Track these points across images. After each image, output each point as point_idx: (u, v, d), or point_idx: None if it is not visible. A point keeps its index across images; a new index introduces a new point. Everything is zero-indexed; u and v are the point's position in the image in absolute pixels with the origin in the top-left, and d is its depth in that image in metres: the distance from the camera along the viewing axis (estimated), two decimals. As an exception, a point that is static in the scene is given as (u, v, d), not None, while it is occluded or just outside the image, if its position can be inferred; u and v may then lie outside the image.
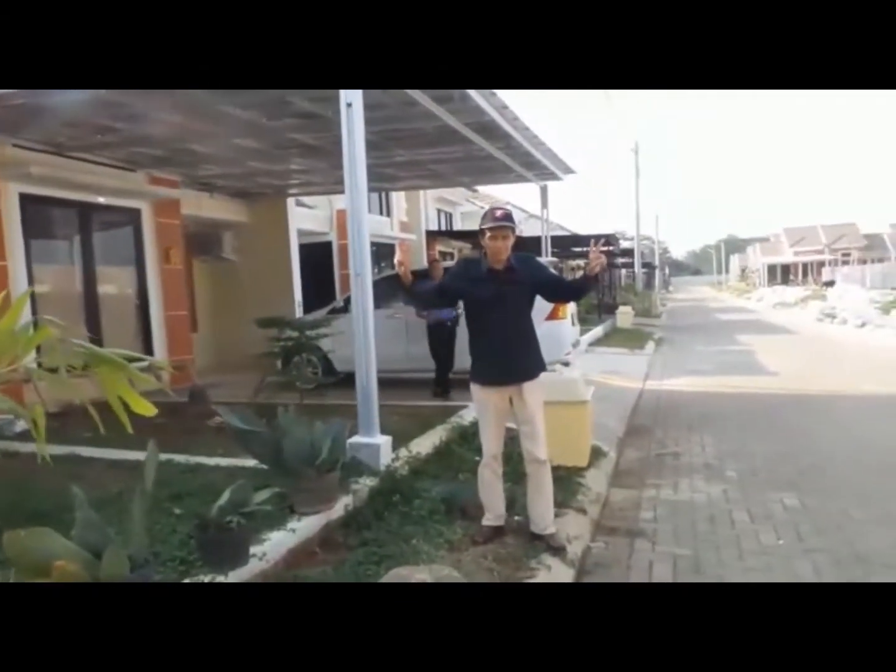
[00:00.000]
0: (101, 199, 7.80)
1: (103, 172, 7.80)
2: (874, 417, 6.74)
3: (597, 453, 5.24)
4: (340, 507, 3.64)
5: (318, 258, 13.50)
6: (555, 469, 4.62)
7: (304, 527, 3.30)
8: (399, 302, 7.87)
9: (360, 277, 4.11)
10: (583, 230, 24.02)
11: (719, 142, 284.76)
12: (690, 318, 25.35)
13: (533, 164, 8.20)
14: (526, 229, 26.51)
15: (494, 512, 3.56)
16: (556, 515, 3.88)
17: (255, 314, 6.82)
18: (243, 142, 7.01)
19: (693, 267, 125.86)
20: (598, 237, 14.44)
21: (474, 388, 3.51)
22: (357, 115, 4.07)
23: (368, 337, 4.20)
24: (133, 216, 8.43)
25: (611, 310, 19.86)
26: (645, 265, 44.60)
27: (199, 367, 10.12)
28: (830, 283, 34.04)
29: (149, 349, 8.72)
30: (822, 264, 49.95)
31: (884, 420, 6.59)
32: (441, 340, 7.36)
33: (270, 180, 9.80)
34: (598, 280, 3.39)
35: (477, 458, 4.06)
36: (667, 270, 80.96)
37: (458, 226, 20.12)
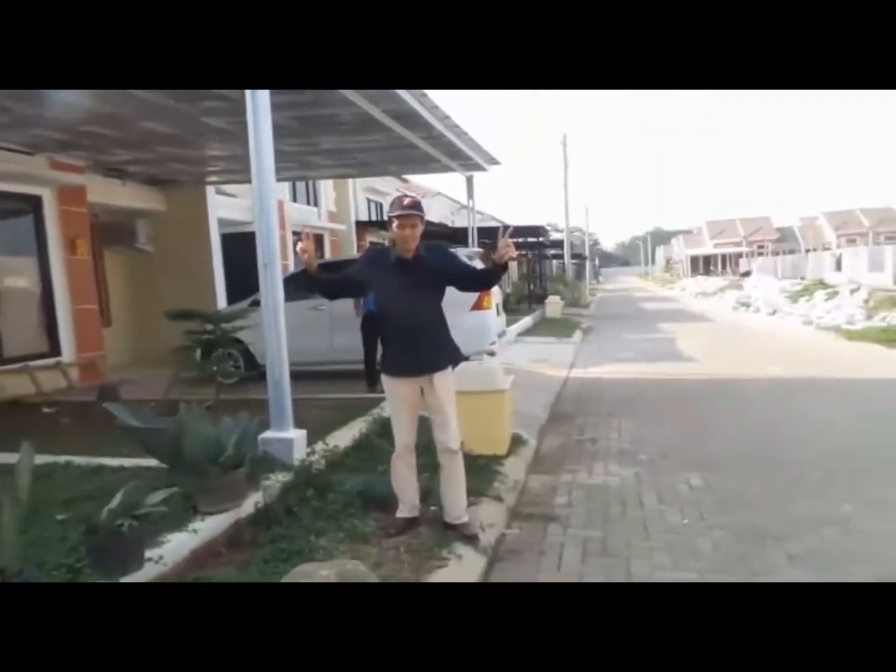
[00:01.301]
0: (-5, 185, 7.26)
1: (-3, 155, 7.25)
2: (777, 399, 7.14)
3: (517, 441, 5.30)
4: (250, 504, 3.51)
5: (243, 248, 12.94)
6: (474, 458, 4.68)
7: (209, 527, 3.17)
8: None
9: (269, 268, 3.97)
10: (518, 222, 24.28)
11: (647, 136, 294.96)
12: (617, 307, 26.16)
13: (457, 154, 8.19)
14: (458, 220, 26.58)
15: (408, 503, 3.54)
16: (472, 504, 3.91)
17: (175, 307, 6.52)
18: (153, 125, 6.66)
19: (622, 258, 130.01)
20: (525, 228, 14.61)
21: (385, 380, 3.46)
22: (262, 98, 3.93)
23: (279, 329, 4.08)
24: (33, 203, 7.89)
25: (541, 300, 20.22)
26: (576, 256, 45.68)
27: (115, 364, 9.63)
28: (747, 274, 35.85)
29: (55, 345, 8.22)
30: (739, 255, 52.57)
31: (785, 401, 6.99)
32: (374, 332, 7.22)
33: (186, 167, 9.37)
34: (507, 268, 3.38)
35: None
36: (597, 261, 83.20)
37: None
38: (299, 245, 3.15)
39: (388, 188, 19.31)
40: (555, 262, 36.23)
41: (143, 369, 9.06)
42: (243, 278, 12.67)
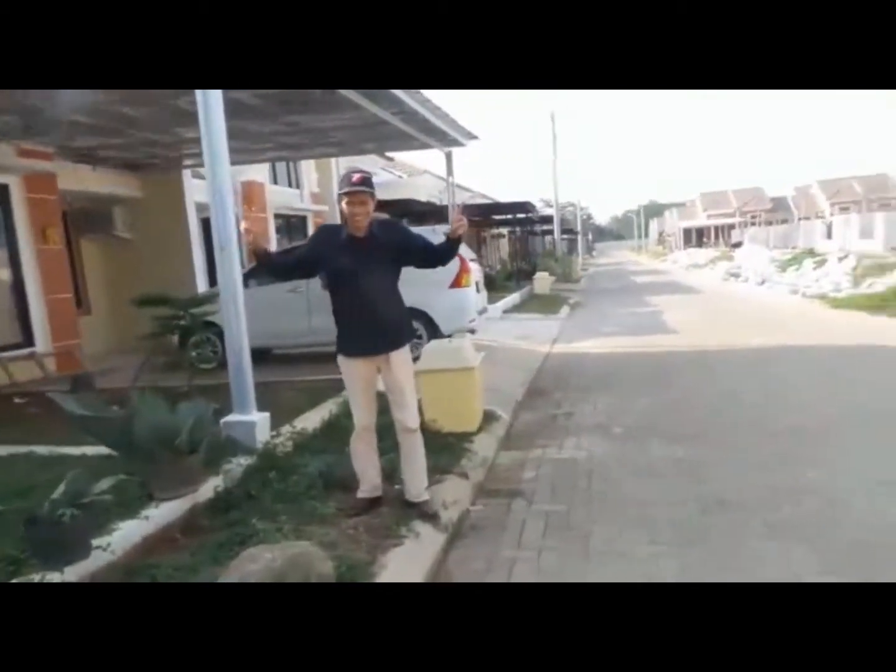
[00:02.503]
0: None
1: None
2: (755, 369, 7.12)
3: (490, 418, 5.27)
4: (209, 489, 3.49)
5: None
6: (443, 435, 4.67)
7: (162, 513, 3.14)
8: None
9: (225, 250, 3.89)
10: (509, 199, 24.05)
11: (641, 108, 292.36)
12: (608, 281, 26.10)
13: (432, 130, 8.03)
14: (445, 198, 26.31)
15: (369, 483, 3.51)
16: (438, 482, 3.89)
17: (156, 293, 6.40)
18: (120, 109, 6.50)
19: (616, 232, 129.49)
20: (512, 204, 14.48)
21: (341, 360, 3.40)
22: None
23: (238, 312, 4.01)
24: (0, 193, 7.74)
25: (529, 276, 20.13)
26: (567, 231, 45.50)
27: (96, 352, 9.55)
28: (739, 245, 35.71)
29: (28, 336, 8.14)
30: (732, 227, 52.34)
31: (762, 371, 6.97)
32: None
33: (160, 151, 9.19)
34: (460, 242, 3.32)
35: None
36: (590, 236, 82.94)
37: (374, 196, 19.74)
38: (243, 225, 3.08)
39: (372, 167, 19.07)
40: (547, 238, 36.03)
41: (124, 357, 8.98)
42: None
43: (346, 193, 3.15)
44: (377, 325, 3.29)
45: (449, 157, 9.50)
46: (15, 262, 7.96)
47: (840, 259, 16.78)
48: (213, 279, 10.87)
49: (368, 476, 3.51)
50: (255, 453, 3.92)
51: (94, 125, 7.09)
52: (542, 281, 18.54)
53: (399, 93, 6.23)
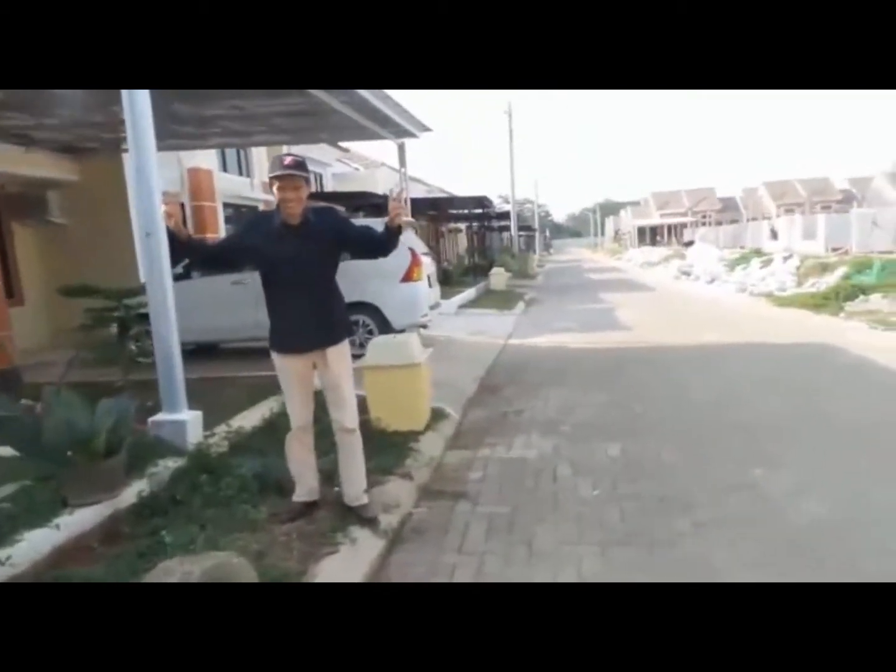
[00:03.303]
0: None
1: None
2: (701, 365, 7.20)
3: (439, 416, 5.15)
4: (132, 494, 3.26)
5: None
6: (389, 434, 4.52)
7: (77, 521, 2.91)
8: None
9: (152, 237, 3.65)
10: (466, 194, 23.92)
11: (599, 107, 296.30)
12: (564, 278, 26.31)
13: (384, 120, 7.85)
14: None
15: (305, 486, 3.34)
16: (380, 483, 3.75)
17: (95, 283, 6.03)
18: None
19: (573, 229, 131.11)
20: (469, 199, 14.32)
21: (274, 357, 3.20)
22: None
23: (167, 304, 3.77)
24: (-83, 172, 7.19)
25: (486, 272, 20.10)
26: (525, 228, 45.81)
27: (30, 346, 9.03)
28: (690, 244, 36.52)
29: (-48, 327, 7.60)
30: (684, 226, 53.58)
31: (708, 368, 7.06)
32: None
33: (97, 132, 8.73)
34: (401, 231, 3.15)
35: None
36: (548, 233, 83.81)
37: (329, 187, 19.36)
38: (163, 208, 2.85)
39: (326, 157, 18.72)
40: (505, 234, 36.16)
41: (59, 351, 8.49)
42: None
43: (277, 177, 2.96)
44: (312, 318, 3.10)
45: (402, 148, 9.33)
46: (-67, 248, 7.42)
47: (785, 259, 17.28)
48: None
49: (304, 479, 3.34)
50: (186, 454, 3.70)
51: (17, 101, 6.64)
52: (499, 277, 18.52)
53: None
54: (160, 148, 11.15)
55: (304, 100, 6.64)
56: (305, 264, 3.05)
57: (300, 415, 3.26)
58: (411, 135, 8.90)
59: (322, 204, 3.28)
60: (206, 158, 12.91)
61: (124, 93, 3.62)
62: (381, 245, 3.22)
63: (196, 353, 8.62)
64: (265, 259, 3.08)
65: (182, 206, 13.20)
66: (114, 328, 6.09)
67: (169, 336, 3.78)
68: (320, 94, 6.25)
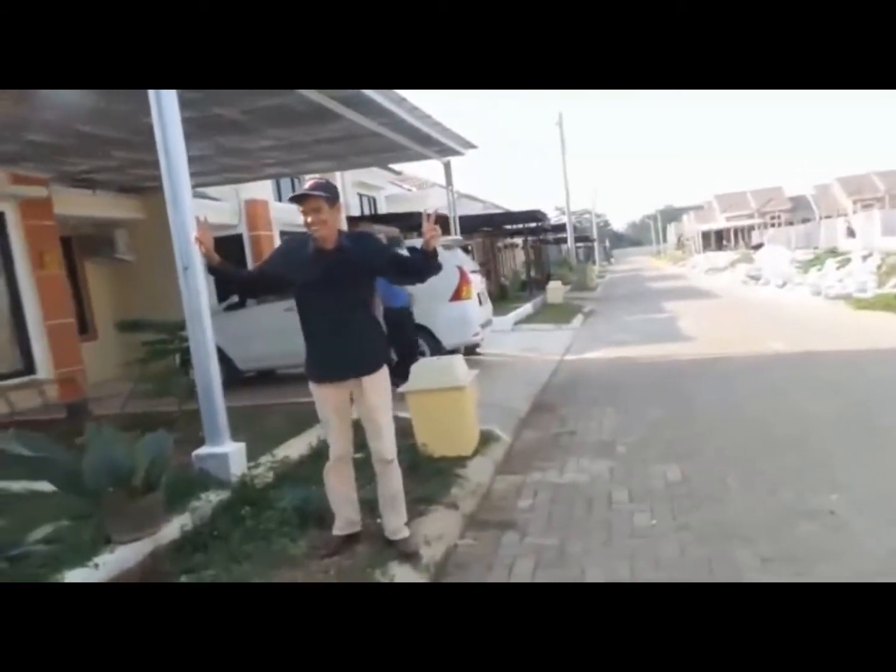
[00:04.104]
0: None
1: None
2: (769, 378, 6.72)
3: (488, 438, 4.99)
4: (175, 529, 3.25)
5: (229, 252, 12.79)
6: (435, 461, 4.39)
7: (117, 559, 2.91)
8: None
9: (189, 271, 3.69)
10: (524, 208, 23.75)
11: (653, 111, 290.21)
12: (624, 288, 25.64)
13: (426, 140, 7.83)
14: (459, 209, 26.19)
15: (344, 519, 3.24)
16: (424, 514, 3.63)
17: (160, 316, 6.24)
18: (95, 130, 6.38)
19: (634, 238, 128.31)
20: (522, 213, 14.17)
21: (312, 386, 3.16)
22: (169, 95, 3.65)
23: (205, 336, 3.79)
24: (-5, 220, 7.69)
25: (543, 286, 19.80)
26: (583, 239, 45.08)
27: (102, 379, 9.45)
28: (759, 246, 34.93)
29: (29, 363, 8.04)
30: (751, 228, 51.42)
31: (777, 380, 6.58)
32: (398, 328, 6.80)
33: (150, 171, 9.11)
34: (436, 254, 3.04)
35: (357, 455, 3.73)
36: (607, 243, 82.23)
37: (383, 209, 19.61)
38: (195, 234, 2.84)
39: (379, 181, 18.99)
40: (563, 246, 35.66)
41: (128, 383, 8.86)
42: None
43: (296, 199, 2.92)
44: (347, 346, 3.02)
45: (447, 166, 9.30)
46: (13, 289, 7.89)
47: (864, 258, 16.19)
48: (222, 297, 10.78)
49: (343, 511, 3.25)
50: (229, 487, 3.68)
51: (73, 147, 6.98)
52: (555, 290, 18.19)
53: (382, 101, 6.03)
54: (216, 182, 11.59)
55: (341, 125, 6.70)
56: (339, 290, 2.97)
57: (339, 445, 3.18)
58: (456, 152, 8.86)
59: (362, 230, 3.20)
60: (261, 189, 13.31)
61: (156, 125, 3.69)
62: (418, 270, 3.12)
63: (254, 379, 8.82)
64: (299, 285, 3.03)
65: (240, 236, 13.69)
66: (172, 360, 6.25)
67: (209, 369, 3.80)
68: (357, 117, 6.28)
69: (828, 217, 38.62)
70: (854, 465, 3.98)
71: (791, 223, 46.61)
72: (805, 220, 44.16)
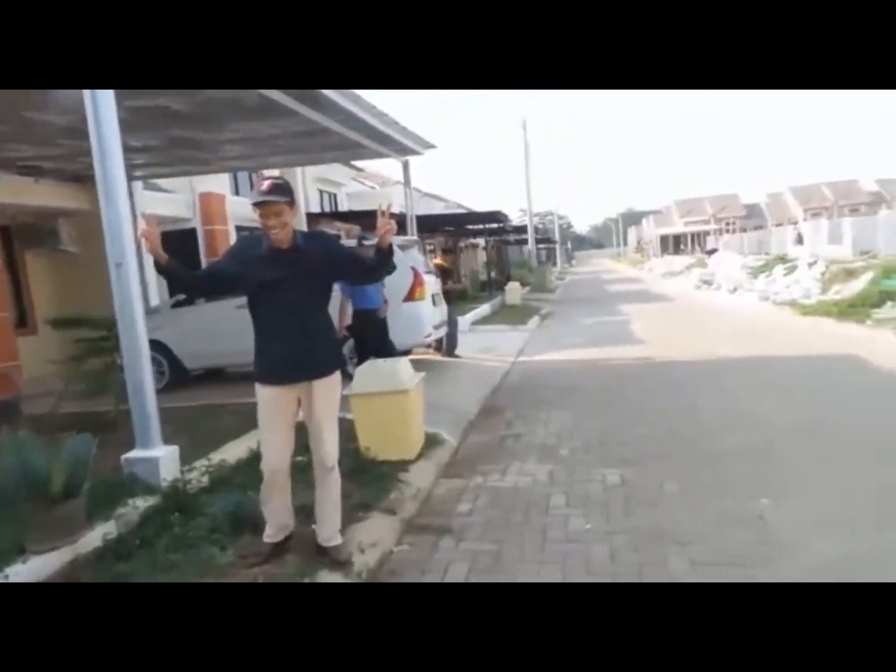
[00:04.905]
0: None
1: None
2: (715, 382, 6.89)
3: (433, 442, 4.97)
4: (97, 537, 3.13)
5: (181, 246, 12.49)
6: (377, 465, 4.35)
7: (29, 569, 2.78)
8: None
9: (122, 268, 3.56)
10: (488, 209, 23.81)
11: (618, 115, 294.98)
12: (583, 290, 25.98)
13: (384, 139, 7.76)
14: (421, 208, 26.22)
15: (277, 526, 3.16)
16: (361, 519, 3.59)
17: (106, 311, 5.97)
18: (41, 116, 6.13)
19: (596, 240, 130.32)
20: (483, 214, 14.17)
21: (258, 389, 3.02)
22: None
23: (137, 336, 3.66)
24: (-76, 207, 7.31)
25: (503, 287, 19.90)
26: (545, 241, 45.52)
27: (40, 375, 9.07)
28: (713, 252, 35.82)
29: (-41, 358, 7.67)
30: (707, 234, 52.73)
31: (722, 384, 6.75)
32: (367, 330, 6.63)
33: (101, 161, 8.81)
34: (391, 252, 3.00)
35: (299, 458, 3.65)
36: (569, 245, 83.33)
37: (344, 207, 19.43)
38: (140, 230, 2.70)
39: (340, 178, 18.80)
40: (526, 247, 35.97)
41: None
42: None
43: (256, 204, 2.83)
44: (301, 348, 2.93)
45: (406, 165, 9.24)
46: (-59, 281, 7.51)
47: (809, 265, 16.75)
48: (173, 292, 10.50)
49: (277, 519, 3.14)
50: (159, 493, 3.57)
51: (19, 133, 6.70)
52: (514, 292, 18.30)
53: (338, 99, 5.94)
54: (171, 174, 11.28)
55: (297, 120, 6.57)
56: (295, 290, 2.89)
57: (276, 457, 3.03)
58: (415, 152, 8.81)
59: (314, 230, 3.12)
60: (217, 182, 13.02)
61: (88, 110, 3.54)
62: (373, 269, 3.11)
63: (202, 378, 8.61)
64: (253, 285, 2.93)
65: (193, 230, 13.35)
66: (109, 358, 6.04)
67: (140, 370, 3.67)
68: (311, 113, 6.18)
69: (779, 225, 39.82)
70: (794, 470, 4.09)
71: (745, 230, 47.98)
72: (758, 227, 45.49)
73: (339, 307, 6.42)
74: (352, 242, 6.80)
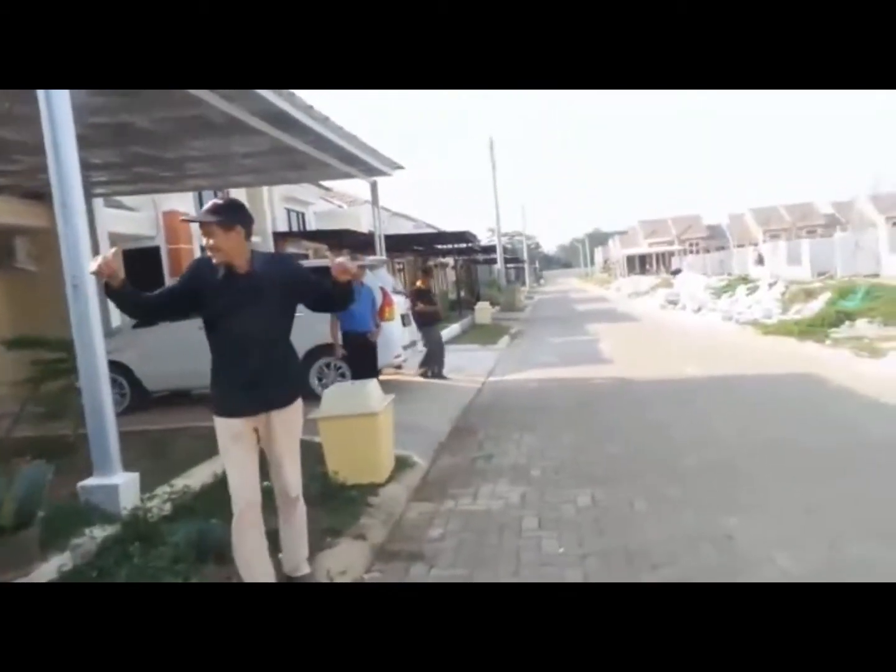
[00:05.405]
0: None
1: None
2: (681, 400, 6.99)
3: (404, 464, 4.90)
4: (52, 569, 2.98)
5: (143, 265, 12.25)
6: (347, 489, 4.26)
7: (-23, 606, 2.62)
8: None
9: (79, 289, 3.44)
10: (454, 228, 23.95)
11: (584, 137, 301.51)
12: (552, 309, 26.27)
13: (351, 159, 7.76)
14: (390, 227, 26.27)
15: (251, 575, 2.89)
16: (331, 546, 3.50)
17: (66, 331, 5.74)
18: (-5, 131, 5.97)
19: (564, 260, 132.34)
20: (452, 234, 14.28)
21: (216, 420, 2.86)
22: (60, 98, 3.43)
23: (96, 360, 3.55)
24: None
25: (472, 306, 19.99)
26: (514, 260, 46.00)
27: (-3, 396, 8.75)
28: (677, 272, 36.67)
29: None
30: (672, 254, 54.01)
31: (688, 402, 6.85)
32: (358, 353, 6.51)
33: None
34: (349, 287, 2.92)
35: (266, 483, 3.53)
36: (537, 265, 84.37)
37: (312, 226, 19.31)
38: (100, 259, 2.54)
39: (308, 197, 18.71)
40: (495, 266, 36.26)
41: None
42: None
43: (200, 224, 2.75)
44: (257, 377, 2.77)
45: (374, 186, 9.25)
46: None
47: (770, 286, 17.22)
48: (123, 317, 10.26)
49: (256, 572, 2.86)
50: (119, 521, 3.43)
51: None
52: (483, 311, 18.40)
53: (305, 119, 5.92)
54: (133, 192, 11.08)
55: (262, 139, 6.53)
56: (253, 316, 2.75)
57: (247, 490, 2.84)
58: (382, 173, 8.83)
59: (276, 253, 3.05)
60: (182, 201, 12.83)
61: (45, 126, 3.45)
62: (333, 300, 3.01)
63: (167, 399, 8.39)
64: (209, 310, 2.80)
65: (157, 249, 13.10)
66: (68, 380, 5.84)
67: (99, 392, 3.54)
68: (277, 133, 6.14)
69: (741, 245, 41.01)
70: (759, 486, 4.14)
71: (708, 250, 49.27)
72: (720, 248, 46.76)
73: (329, 327, 6.39)
74: (324, 261, 6.75)
